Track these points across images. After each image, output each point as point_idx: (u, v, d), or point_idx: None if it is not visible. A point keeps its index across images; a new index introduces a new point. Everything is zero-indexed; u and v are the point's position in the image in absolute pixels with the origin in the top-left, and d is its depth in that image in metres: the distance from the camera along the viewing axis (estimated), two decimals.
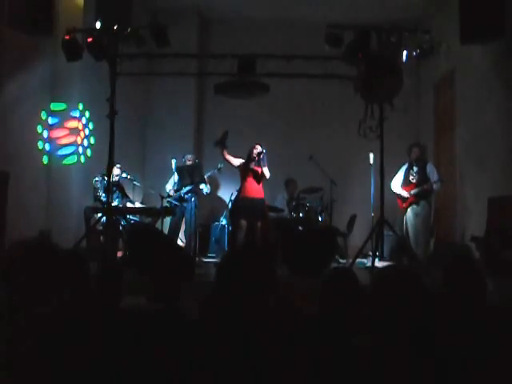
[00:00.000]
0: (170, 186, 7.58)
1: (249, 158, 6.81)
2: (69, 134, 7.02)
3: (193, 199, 7.22)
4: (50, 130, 6.94)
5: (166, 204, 7.07)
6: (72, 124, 7.05)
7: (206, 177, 7.39)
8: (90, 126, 7.34)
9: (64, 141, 7.00)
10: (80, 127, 7.11)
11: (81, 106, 7.11)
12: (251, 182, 6.79)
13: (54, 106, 6.98)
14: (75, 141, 7.04)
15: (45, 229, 6.41)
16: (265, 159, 6.79)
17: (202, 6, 8.75)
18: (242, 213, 6.82)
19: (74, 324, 1.90)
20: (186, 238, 7.42)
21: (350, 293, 2.13)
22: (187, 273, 4.34)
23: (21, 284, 1.95)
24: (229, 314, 1.82)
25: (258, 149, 6.83)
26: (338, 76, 6.30)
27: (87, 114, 7.25)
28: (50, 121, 6.95)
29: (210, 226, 8.32)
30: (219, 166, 7.26)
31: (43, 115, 6.86)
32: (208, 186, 7.53)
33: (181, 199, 7.28)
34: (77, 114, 7.07)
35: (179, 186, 7.26)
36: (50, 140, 6.94)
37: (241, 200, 6.87)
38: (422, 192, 6.77)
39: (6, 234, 5.69)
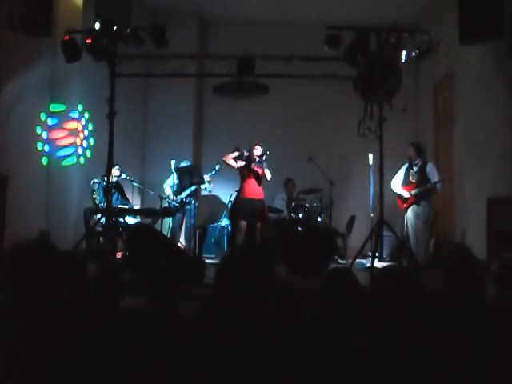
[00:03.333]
0: (168, 189, 7.55)
1: (249, 159, 6.80)
2: (68, 135, 7.00)
3: (192, 202, 7.24)
4: (50, 131, 6.92)
5: (165, 205, 7.07)
6: (71, 125, 7.03)
7: (207, 176, 7.37)
8: (90, 127, 7.33)
9: (63, 142, 6.98)
10: (79, 128, 7.10)
11: (80, 107, 7.10)
12: (251, 183, 6.79)
13: (54, 107, 6.96)
14: (74, 142, 7.02)
15: (44, 230, 6.41)
16: (266, 160, 6.79)
17: (202, 6, 8.75)
18: (241, 214, 6.81)
19: (73, 325, 1.90)
20: (186, 239, 7.42)
21: (350, 293, 2.13)
22: (197, 275, 4.34)
23: (20, 285, 1.95)
24: (228, 315, 1.82)
25: (259, 149, 6.82)
26: (337, 77, 6.29)
27: (87, 115, 7.24)
28: (50, 122, 6.93)
29: (210, 227, 8.33)
30: (216, 167, 7.25)
31: (42, 116, 6.84)
32: (211, 184, 7.53)
33: (182, 203, 7.28)
34: (76, 115, 7.06)
35: (179, 187, 7.25)
36: (49, 141, 6.91)
37: (240, 201, 6.87)
38: (424, 192, 6.74)
39: (5, 235, 5.68)
